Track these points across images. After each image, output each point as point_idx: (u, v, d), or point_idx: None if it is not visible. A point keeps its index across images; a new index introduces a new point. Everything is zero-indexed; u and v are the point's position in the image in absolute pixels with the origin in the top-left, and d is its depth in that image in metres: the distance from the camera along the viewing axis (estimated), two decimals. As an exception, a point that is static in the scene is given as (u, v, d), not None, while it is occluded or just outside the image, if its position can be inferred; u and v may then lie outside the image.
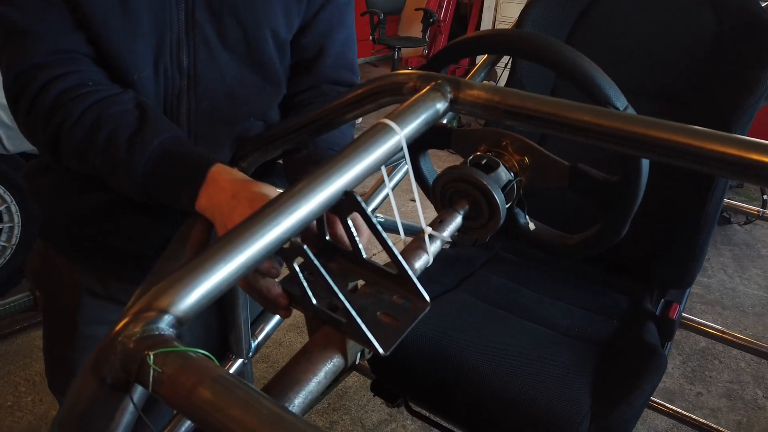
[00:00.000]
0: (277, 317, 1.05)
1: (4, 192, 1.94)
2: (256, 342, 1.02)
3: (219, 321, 0.98)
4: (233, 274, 0.42)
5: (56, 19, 0.65)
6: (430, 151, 0.87)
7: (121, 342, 0.38)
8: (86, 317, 0.86)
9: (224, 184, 0.60)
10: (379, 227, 0.52)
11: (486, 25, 4.75)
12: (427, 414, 1.13)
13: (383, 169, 0.63)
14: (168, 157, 0.64)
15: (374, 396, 1.17)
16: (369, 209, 0.51)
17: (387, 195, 1.03)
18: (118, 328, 0.38)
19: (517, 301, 1.15)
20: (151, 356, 0.36)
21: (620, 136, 0.56)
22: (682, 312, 1.19)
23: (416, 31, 4.92)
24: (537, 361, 0.96)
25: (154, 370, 0.36)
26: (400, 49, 4.69)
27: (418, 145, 0.85)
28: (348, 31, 0.82)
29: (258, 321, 1.03)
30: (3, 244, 2.00)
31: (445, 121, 0.90)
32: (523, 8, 1.28)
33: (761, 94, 1.07)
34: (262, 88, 0.78)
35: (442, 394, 0.99)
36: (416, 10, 5.00)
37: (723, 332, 1.32)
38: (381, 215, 1.41)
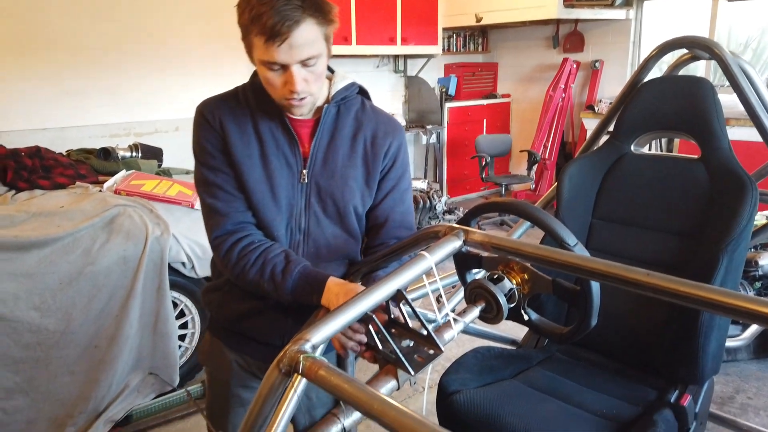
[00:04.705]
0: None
1: (192, 306, 2.63)
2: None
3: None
4: (337, 327, 0.89)
5: (237, 205, 1.21)
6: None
7: (288, 352, 0.85)
8: (235, 382, 1.35)
9: (333, 288, 1.12)
10: (417, 312, 0.97)
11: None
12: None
13: (441, 290, 1.09)
14: (303, 278, 1.16)
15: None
16: (412, 297, 0.96)
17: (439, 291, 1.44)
18: (288, 347, 0.85)
19: (559, 389, 1.47)
20: (301, 357, 0.83)
21: (561, 264, 0.96)
22: (704, 406, 1.42)
23: (524, 169, 5.45)
24: (563, 429, 1.27)
25: (303, 364, 0.83)
26: (507, 185, 5.22)
27: (465, 266, 1.28)
28: (406, 206, 1.30)
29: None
30: (186, 345, 2.66)
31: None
32: (563, 168, 1.73)
33: (741, 229, 1.38)
34: (346, 241, 1.27)
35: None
36: (521, 151, 5.58)
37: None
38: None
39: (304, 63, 1.08)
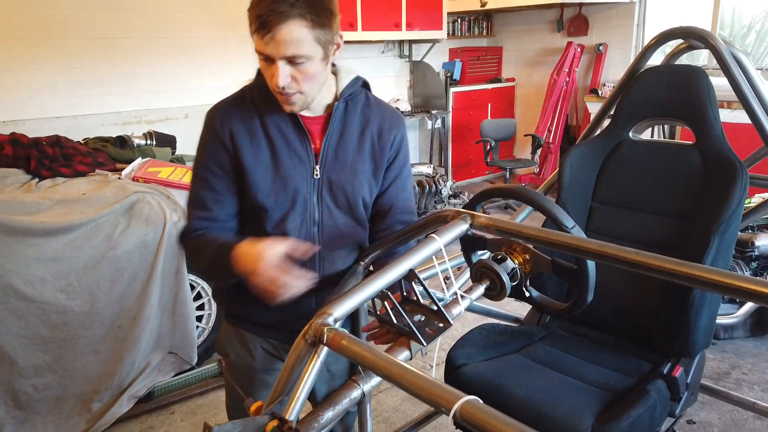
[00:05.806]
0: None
1: (208, 289, 2.73)
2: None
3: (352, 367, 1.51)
4: (356, 303, 0.99)
5: (217, 208, 1.25)
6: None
7: (314, 325, 0.94)
8: (260, 366, 1.39)
9: (242, 255, 1.14)
10: (428, 289, 1.06)
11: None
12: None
13: (450, 270, 1.18)
14: (215, 251, 1.19)
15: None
16: (423, 277, 1.06)
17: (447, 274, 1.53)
18: (313, 320, 0.95)
19: (559, 362, 1.57)
20: (325, 329, 0.93)
21: (560, 245, 1.05)
22: (696, 378, 1.52)
23: (528, 153, 5.51)
24: (562, 398, 1.37)
25: (326, 335, 0.93)
26: (511, 169, 5.30)
27: (470, 248, 1.37)
28: (408, 193, 1.38)
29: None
30: (203, 326, 2.78)
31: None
32: (564, 153, 1.81)
33: (732, 211, 1.47)
34: (356, 229, 1.33)
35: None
36: (525, 136, 5.65)
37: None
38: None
39: (290, 60, 1.11)
